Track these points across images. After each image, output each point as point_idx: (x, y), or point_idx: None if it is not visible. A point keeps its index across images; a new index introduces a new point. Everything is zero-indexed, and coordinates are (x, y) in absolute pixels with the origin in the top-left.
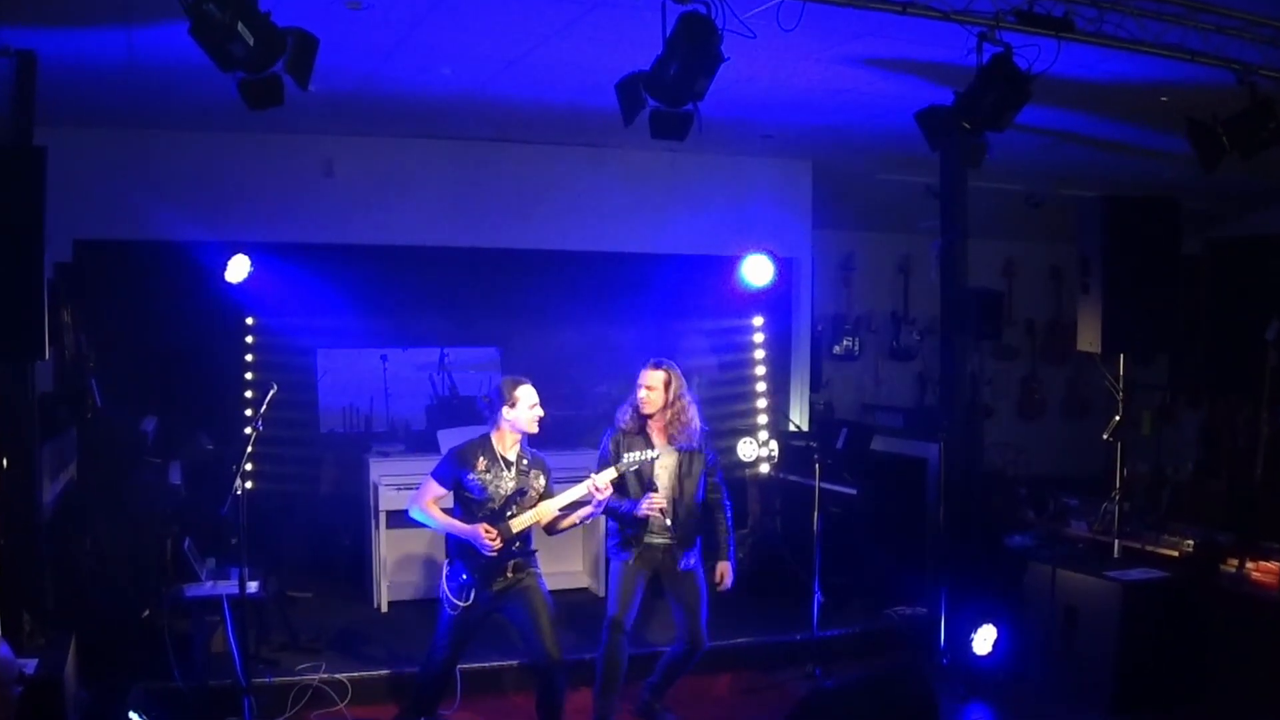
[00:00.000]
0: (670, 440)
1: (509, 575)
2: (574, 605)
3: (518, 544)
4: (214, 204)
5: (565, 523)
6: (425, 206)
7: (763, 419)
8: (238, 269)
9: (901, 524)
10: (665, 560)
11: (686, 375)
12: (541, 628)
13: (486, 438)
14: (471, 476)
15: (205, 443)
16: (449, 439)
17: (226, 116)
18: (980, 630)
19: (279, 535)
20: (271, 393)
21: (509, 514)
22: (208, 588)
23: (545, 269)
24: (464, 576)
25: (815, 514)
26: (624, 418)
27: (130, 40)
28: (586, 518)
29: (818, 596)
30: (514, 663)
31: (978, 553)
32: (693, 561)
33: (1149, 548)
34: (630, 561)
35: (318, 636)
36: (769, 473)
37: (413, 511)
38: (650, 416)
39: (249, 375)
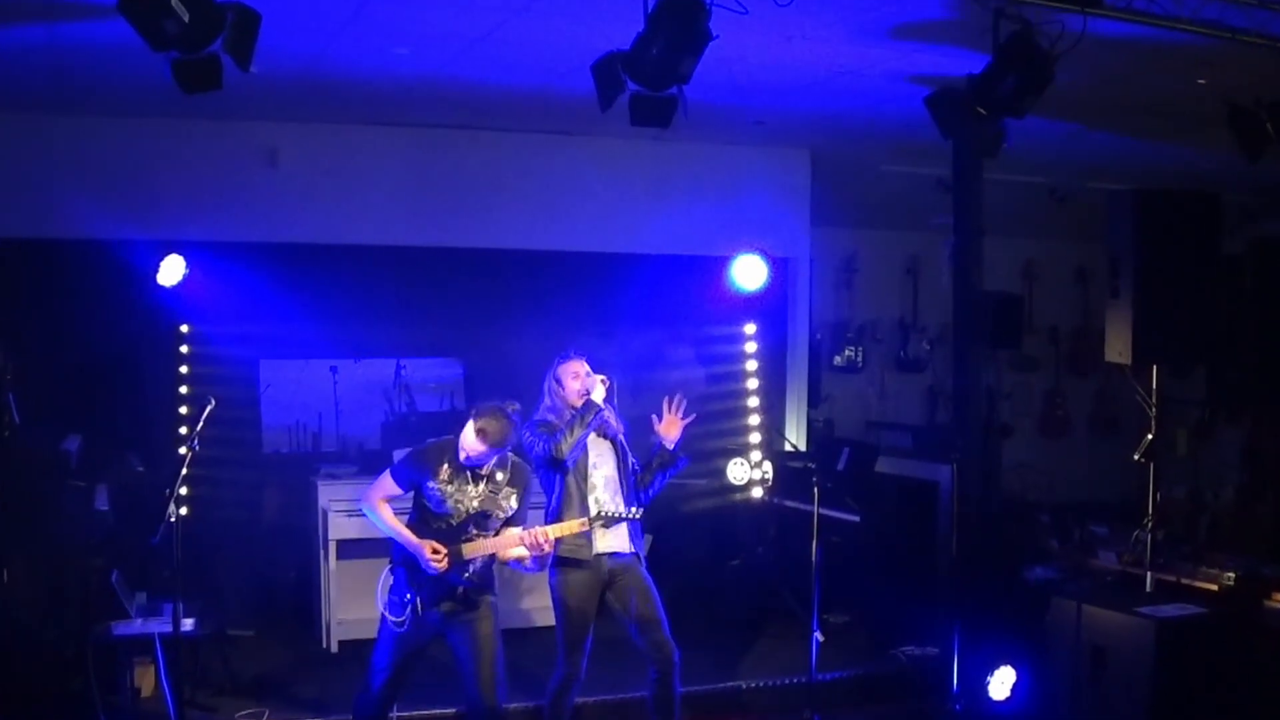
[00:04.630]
0: (603, 432)
1: (459, 592)
2: (549, 644)
3: (467, 571)
4: (145, 199)
5: (513, 554)
6: (380, 201)
7: (755, 438)
8: (171, 271)
9: (910, 554)
10: (614, 569)
11: (671, 388)
12: (482, 669)
13: (455, 442)
14: (432, 485)
15: (135, 464)
16: None
17: (159, 101)
18: (997, 673)
19: (217, 567)
20: (209, 408)
21: (465, 537)
22: (138, 625)
23: (513, 271)
24: (407, 595)
25: (814, 543)
26: (555, 414)
27: (51, 13)
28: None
29: (816, 635)
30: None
31: (995, 587)
32: (641, 553)
33: (1185, 581)
34: (577, 591)
35: (260, 679)
36: (762, 497)
37: (363, 506)
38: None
39: (184, 389)
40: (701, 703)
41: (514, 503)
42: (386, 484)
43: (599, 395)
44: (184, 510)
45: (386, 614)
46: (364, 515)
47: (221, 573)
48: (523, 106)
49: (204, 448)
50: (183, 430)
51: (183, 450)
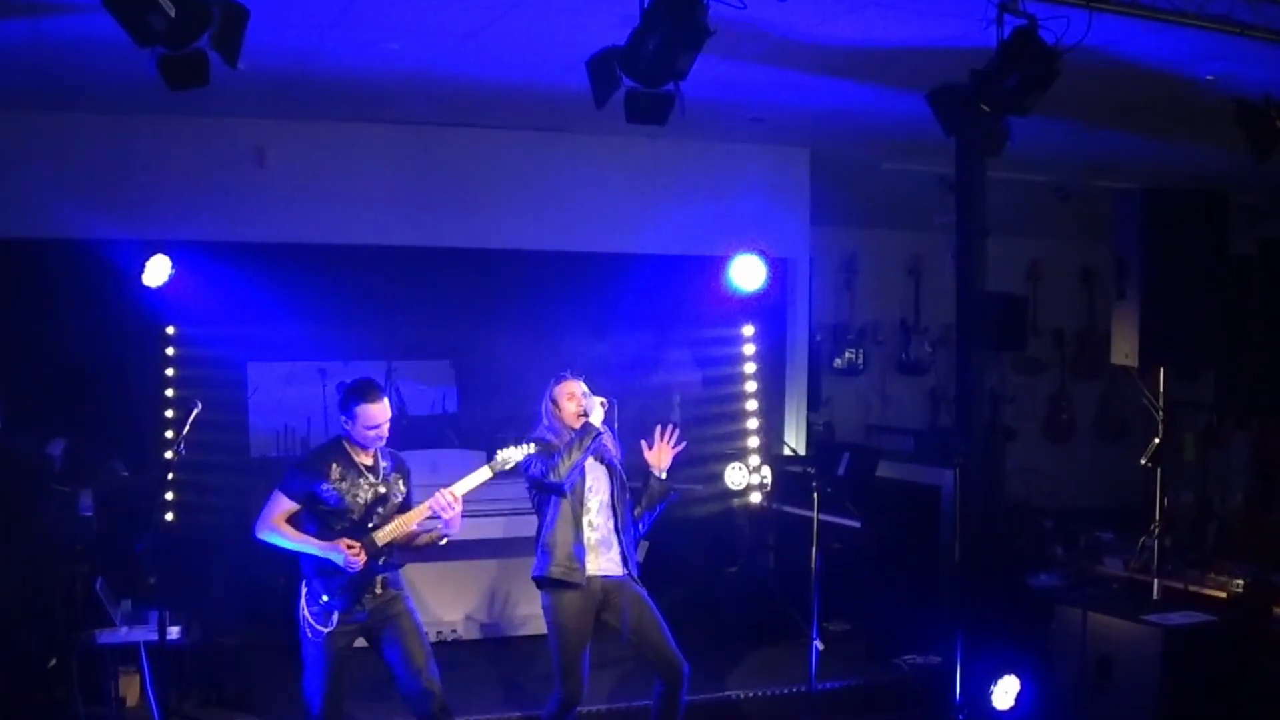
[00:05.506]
0: (600, 457)
1: (378, 591)
2: (539, 651)
3: (384, 558)
4: (129, 197)
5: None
6: (370, 200)
7: (753, 442)
8: (156, 271)
9: (911, 561)
10: (608, 590)
11: (667, 391)
12: (415, 655)
13: (338, 442)
14: (326, 486)
15: (120, 469)
16: None
17: (144, 98)
18: (1001, 682)
19: (204, 574)
20: (195, 412)
21: (371, 525)
22: (122, 633)
23: (505, 272)
24: (324, 598)
25: (813, 549)
26: (555, 435)
27: (34, 10)
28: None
29: (816, 643)
30: None
31: (998, 594)
32: (635, 572)
33: (1193, 588)
34: (571, 613)
35: (247, 689)
36: (761, 503)
37: (260, 533)
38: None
39: (169, 392)
40: (698, 713)
41: (403, 487)
42: (281, 503)
43: (597, 418)
44: (170, 516)
45: (312, 624)
46: (262, 541)
47: (208, 580)
48: (516, 103)
49: (190, 452)
50: (169, 434)
51: (169, 455)
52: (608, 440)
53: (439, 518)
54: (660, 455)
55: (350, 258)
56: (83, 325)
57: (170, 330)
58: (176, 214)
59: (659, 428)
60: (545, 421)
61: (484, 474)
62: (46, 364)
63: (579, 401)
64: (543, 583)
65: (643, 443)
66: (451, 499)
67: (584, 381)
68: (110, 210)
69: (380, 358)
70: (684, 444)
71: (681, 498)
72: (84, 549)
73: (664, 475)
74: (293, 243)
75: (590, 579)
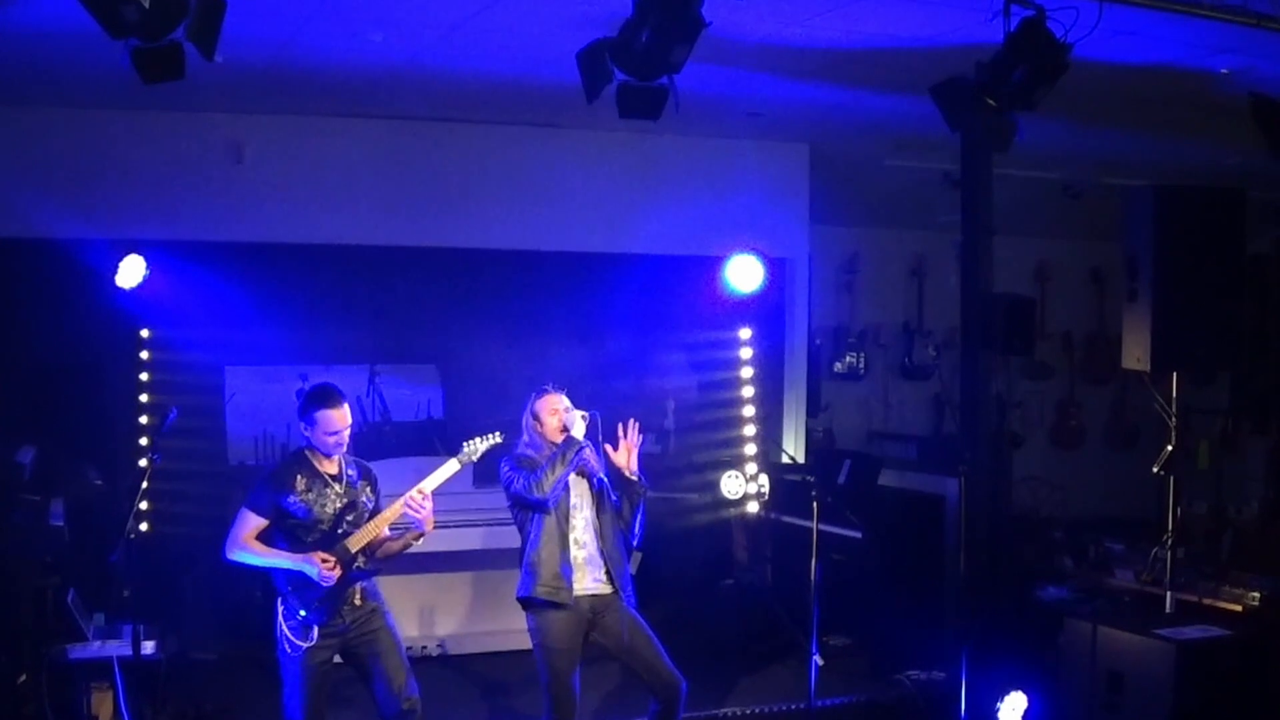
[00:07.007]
0: (582, 471)
1: (356, 602)
2: (527, 668)
3: (359, 563)
4: (102, 195)
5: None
6: (352, 198)
7: (751, 449)
8: (130, 272)
9: (915, 573)
10: (597, 609)
11: (661, 397)
12: (396, 682)
13: (301, 454)
14: (293, 499)
15: (92, 477)
16: (380, 473)
17: (117, 92)
18: (1008, 698)
19: (180, 586)
20: (171, 418)
21: (341, 532)
22: (95, 648)
23: (493, 272)
24: (301, 613)
25: (813, 561)
26: (535, 450)
27: None
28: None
29: (816, 659)
30: None
31: (1005, 607)
32: (627, 589)
33: (1207, 601)
34: (559, 634)
35: (225, 706)
36: (758, 512)
37: (231, 553)
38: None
39: (144, 397)
40: None
41: (370, 494)
42: (249, 520)
43: (579, 431)
44: (144, 526)
45: (291, 640)
46: (233, 561)
47: (185, 592)
48: (504, 97)
49: (166, 459)
50: (143, 441)
51: (143, 462)
52: (589, 456)
53: (410, 519)
54: (626, 454)
55: (332, 258)
56: (53, 328)
57: (145, 333)
58: (151, 212)
59: (620, 425)
60: (525, 437)
61: (452, 467)
62: (15, 368)
63: (561, 416)
64: (529, 603)
65: (606, 446)
66: (422, 497)
67: (567, 393)
68: (82, 208)
69: (363, 361)
70: (643, 436)
71: (650, 488)
72: (54, 560)
73: (633, 474)
74: (272, 242)
75: (578, 598)
